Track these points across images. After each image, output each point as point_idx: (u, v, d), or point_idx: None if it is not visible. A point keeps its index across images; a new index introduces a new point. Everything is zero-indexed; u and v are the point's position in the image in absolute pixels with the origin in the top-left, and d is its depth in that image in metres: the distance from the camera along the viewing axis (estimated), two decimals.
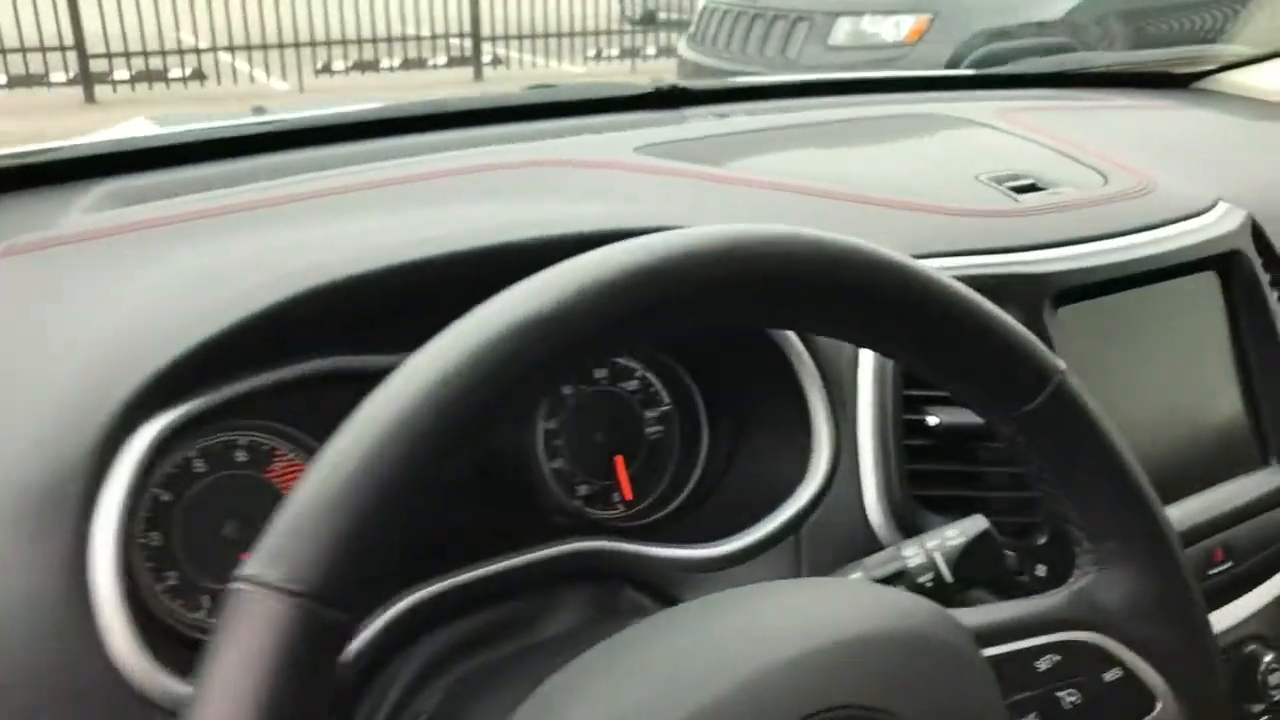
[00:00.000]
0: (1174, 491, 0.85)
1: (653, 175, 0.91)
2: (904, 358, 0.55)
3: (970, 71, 2.89)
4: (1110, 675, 0.54)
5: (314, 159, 0.91)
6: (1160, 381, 0.87)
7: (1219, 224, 0.92)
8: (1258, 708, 0.95)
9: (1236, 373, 0.91)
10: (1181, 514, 0.83)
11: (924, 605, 0.52)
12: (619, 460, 0.80)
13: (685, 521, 0.79)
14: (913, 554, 0.66)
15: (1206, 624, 0.57)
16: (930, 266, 0.50)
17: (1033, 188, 0.92)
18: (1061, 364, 0.54)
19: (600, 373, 0.80)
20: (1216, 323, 0.91)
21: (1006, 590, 0.72)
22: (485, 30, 7.86)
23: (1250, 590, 0.89)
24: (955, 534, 0.66)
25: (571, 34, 7.99)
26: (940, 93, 1.31)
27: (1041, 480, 0.56)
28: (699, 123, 1.09)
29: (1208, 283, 0.91)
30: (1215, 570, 0.84)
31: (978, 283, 0.58)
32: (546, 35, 7.92)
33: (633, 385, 0.82)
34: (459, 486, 0.71)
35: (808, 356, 0.75)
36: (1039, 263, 0.82)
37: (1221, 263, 0.91)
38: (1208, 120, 1.33)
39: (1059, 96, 1.33)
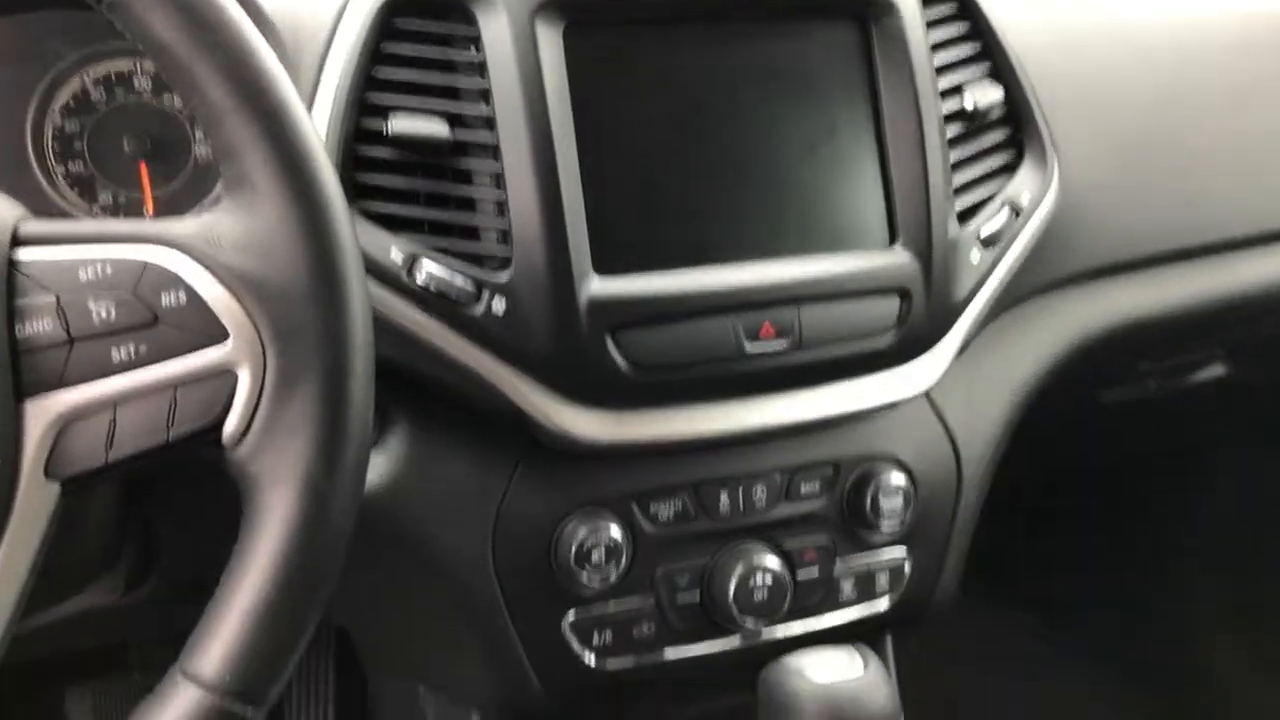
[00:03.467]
0: (757, 252, 0.75)
1: None
2: None
3: None
4: (170, 298, 0.50)
5: None
6: (788, 128, 0.76)
7: None
8: (872, 535, 0.84)
9: (874, 143, 0.78)
10: (748, 276, 0.73)
11: None
12: (142, 167, 0.81)
13: None
14: None
15: (335, 270, 0.51)
16: None
17: None
18: None
19: (143, 84, 0.81)
20: (857, 83, 0.78)
21: None
22: None
23: (822, 384, 0.77)
24: None
25: None
26: None
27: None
28: None
29: (850, 35, 0.78)
30: (759, 349, 0.73)
31: None
32: None
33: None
34: None
35: None
36: None
37: (863, 8, 0.77)
38: None
39: None
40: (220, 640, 0.49)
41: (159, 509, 0.81)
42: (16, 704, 1.31)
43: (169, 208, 0.82)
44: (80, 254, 0.50)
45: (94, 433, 0.48)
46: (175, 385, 0.49)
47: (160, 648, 1.34)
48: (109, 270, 0.50)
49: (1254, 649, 1.48)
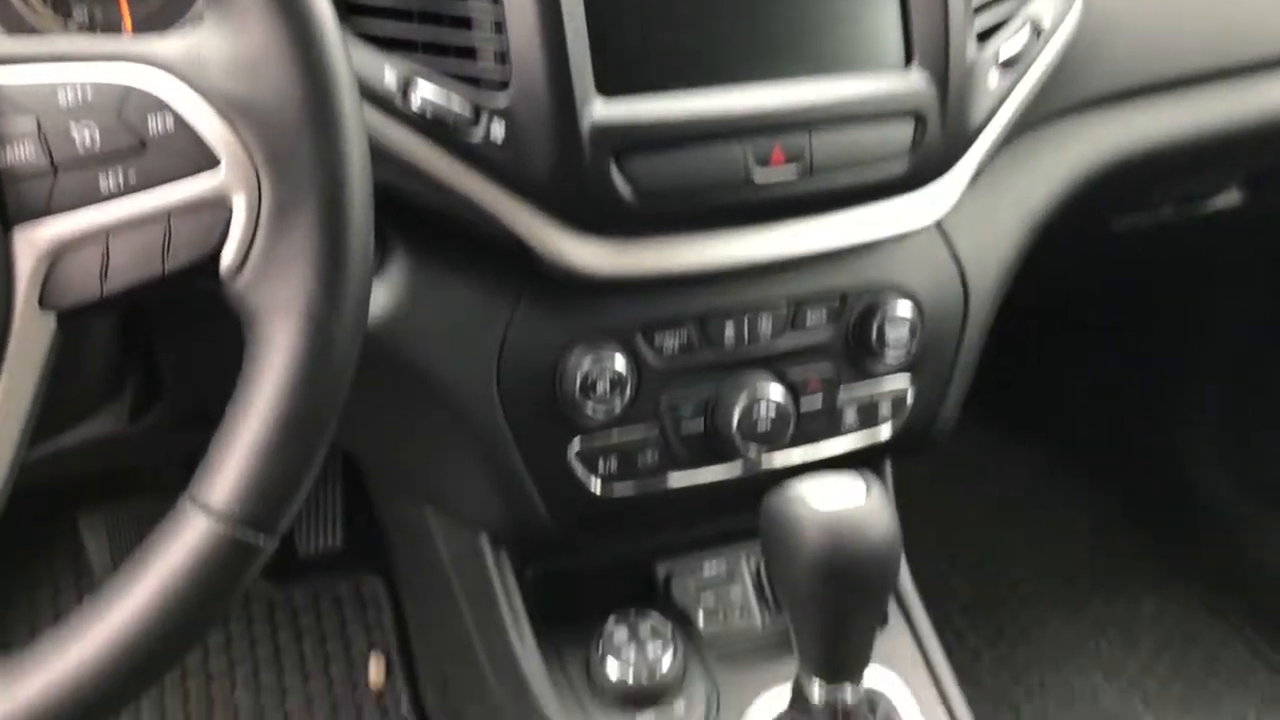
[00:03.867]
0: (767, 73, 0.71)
1: None
2: None
3: None
4: (157, 124, 0.48)
5: None
6: None
7: None
8: (876, 364, 0.84)
9: None
10: (757, 99, 0.71)
11: None
12: None
13: None
14: None
15: (328, 91, 0.49)
16: None
17: None
18: None
19: None
20: None
21: None
22: None
23: (830, 211, 0.75)
24: None
25: None
26: None
27: None
28: None
29: None
30: (769, 177, 0.71)
31: None
32: None
33: None
34: None
35: None
36: None
37: None
38: None
39: None
40: (228, 472, 0.49)
41: (161, 339, 0.80)
42: (31, 529, 1.34)
43: (148, 25, 0.78)
44: (59, 75, 0.48)
45: (87, 264, 0.47)
46: (168, 214, 0.48)
47: (170, 472, 1.36)
48: (89, 94, 0.47)
49: (1257, 485, 1.51)
